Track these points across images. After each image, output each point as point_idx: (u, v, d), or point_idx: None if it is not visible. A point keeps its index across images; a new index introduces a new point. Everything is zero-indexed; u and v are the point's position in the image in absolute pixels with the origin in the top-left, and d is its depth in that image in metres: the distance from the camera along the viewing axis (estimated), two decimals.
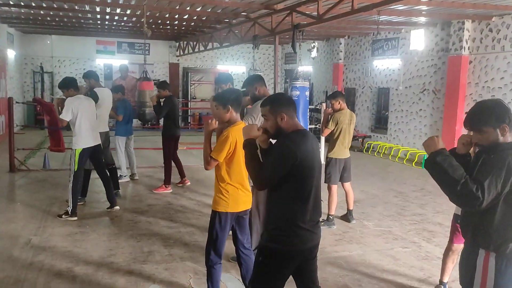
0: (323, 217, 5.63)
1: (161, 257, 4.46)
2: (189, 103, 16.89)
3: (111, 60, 15.97)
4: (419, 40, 10.58)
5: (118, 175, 7.01)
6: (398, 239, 5.24)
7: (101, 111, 6.29)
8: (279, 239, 2.57)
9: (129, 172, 7.84)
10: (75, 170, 5.50)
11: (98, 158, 5.87)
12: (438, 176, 2.22)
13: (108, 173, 6.31)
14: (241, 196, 3.30)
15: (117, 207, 5.95)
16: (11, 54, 13.31)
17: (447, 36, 9.71)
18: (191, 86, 16.99)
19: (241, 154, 3.10)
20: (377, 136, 12.30)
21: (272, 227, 2.61)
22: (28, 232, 5.08)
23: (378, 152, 11.40)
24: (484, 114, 2.28)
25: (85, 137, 5.55)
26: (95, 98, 6.11)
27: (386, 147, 11.39)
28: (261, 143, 2.69)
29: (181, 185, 7.35)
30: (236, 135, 3.13)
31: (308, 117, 8.23)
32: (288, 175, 2.50)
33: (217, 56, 16.74)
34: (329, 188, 5.62)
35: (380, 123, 12.58)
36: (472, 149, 2.51)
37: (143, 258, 4.43)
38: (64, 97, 5.58)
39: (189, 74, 16.89)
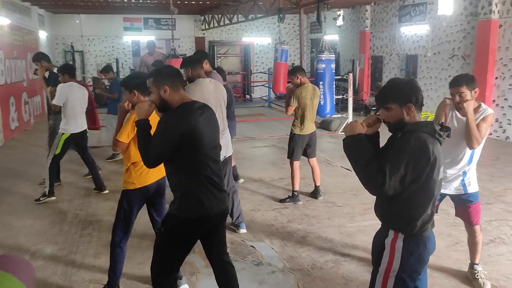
0: (283, 191, 5.73)
1: None
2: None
3: (138, 37, 16.20)
4: (447, 4, 10.31)
5: (111, 154, 7.32)
6: None
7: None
8: (183, 207, 2.63)
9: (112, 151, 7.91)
10: (57, 153, 5.62)
11: (83, 144, 5.97)
12: (350, 160, 2.29)
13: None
14: (146, 169, 3.26)
15: (106, 191, 6.00)
16: (42, 35, 13.67)
17: (476, 0, 9.47)
18: (217, 59, 17.11)
19: None
20: None
21: (176, 195, 2.66)
22: (75, 208, 5.45)
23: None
24: (392, 91, 2.30)
25: (73, 123, 5.66)
26: (55, 79, 6.10)
27: None
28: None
29: None
30: None
31: (334, 88, 8.29)
32: (179, 148, 2.52)
33: (242, 28, 16.73)
34: (291, 164, 5.51)
35: None
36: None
37: None
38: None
39: (215, 47, 16.98)
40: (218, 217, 2.75)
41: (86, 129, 5.95)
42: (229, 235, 4.53)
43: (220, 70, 5.97)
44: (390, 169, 2.11)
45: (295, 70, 5.52)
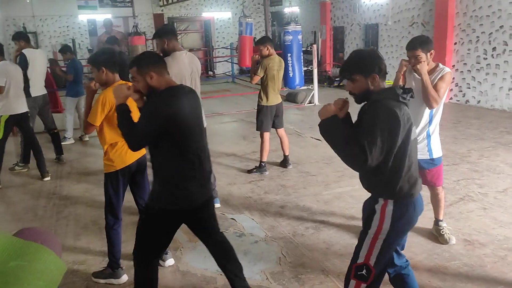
0: (256, 164, 5.83)
1: None
2: None
3: (94, 16, 15.61)
4: None
5: (62, 138, 7.04)
6: None
7: (35, 74, 6.13)
8: (165, 197, 2.58)
9: (80, 133, 7.80)
10: (0, 137, 5.40)
11: (25, 126, 5.72)
12: (329, 142, 2.34)
13: (51, 138, 6.39)
14: (125, 149, 3.19)
15: (47, 178, 5.76)
16: None
17: None
18: (178, 36, 16.76)
19: None
20: None
21: (156, 185, 2.62)
22: (47, 192, 5.33)
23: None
24: (355, 63, 2.36)
25: (11, 103, 5.39)
26: (24, 62, 5.97)
27: None
28: (136, 102, 2.62)
29: None
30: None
31: (301, 60, 8.34)
32: (164, 132, 2.47)
33: (201, 3, 16.41)
34: (261, 136, 5.61)
35: None
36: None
37: None
38: None
39: (175, 24, 16.62)
40: (202, 207, 2.71)
41: (27, 111, 5.65)
42: None
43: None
44: (368, 143, 2.17)
45: (264, 41, 5.53)
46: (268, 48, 5.44)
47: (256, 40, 5.96)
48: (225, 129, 8.35)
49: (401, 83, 3.57)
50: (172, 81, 2.64)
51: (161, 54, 4.07)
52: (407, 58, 3.56)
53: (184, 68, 4.03)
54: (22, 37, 6.23)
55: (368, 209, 2.45)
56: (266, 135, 5.59)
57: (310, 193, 4.98)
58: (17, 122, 5.57)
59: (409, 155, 2.32)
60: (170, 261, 3.56)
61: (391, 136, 2.21)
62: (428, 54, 3.43)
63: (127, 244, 3.62)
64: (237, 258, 2.91)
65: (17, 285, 1.21)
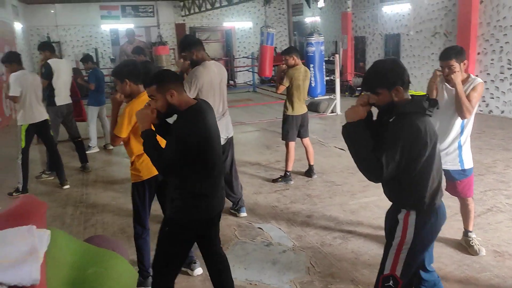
0: (281, 173, 5.84)
1: None
2: None
3: (116, 25, 15.89)
4: None
5: (87, 146, 7.15)
6: None
7: (60, 83, 6.24)
8: (186, 209, 2.60)
9: (104, 142, 7.87)
10: (23, 147, 5.48)
11: (45, 134, 5.77)
12: (349, 148, 2.34)
13: (75, 147, 6.47)
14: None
15: (67, 186, 5.84)
16: (18, 26, 13.30)
17: None
18: None
19: None
20: None
21: (176, 197, 2.62)
22: (74, 200, 5.42)
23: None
24: (378, 76, 2.31)
25: (30, 112, 5.49)
26: (49, 72, 6.07)
27: None
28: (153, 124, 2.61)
29: None
30: (139, 108, 2.74)
31: (324, 70, 8.36)
32: (190, 152, 2.47)
33: (223, 13, 16.57)
34: (287, 145, 5.64)
35: None
36: None
37: None
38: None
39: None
40: (217, 217, 2.80)
41: (46, 119, 5.73)
42: (235, 219, 4.62)
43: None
44: (386, 158, 2.17)
45: (290, 51, 5.58)
46: (293, 58, 5.49)
47: (281, 50, 6.01)
48: (248, 138, 8.39)
49: (434, 91, 3.57)
50: (190, 99, 2.63)
51: (191, 66, 4.14)
52: (430, 68, 3.55)
53: (214, 77, 4.10)
54: (47, 48, 6.37)
55: (391, 219, 2.44)
56: (292, 144, 5.62)
57: (336, 202, 4.97)
58: (37, 130, 5.65)
59: (433, 167, 2.31)
60: (198, 270, 3.58)
61: (412, 153, 2.20)
62: (462, 64, 3.43)
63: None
64: (230, 273, 2.95)
65: None
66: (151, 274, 3.41)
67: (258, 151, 7.36)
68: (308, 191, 5.35)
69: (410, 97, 2.32)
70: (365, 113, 2.34)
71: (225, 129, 4.30)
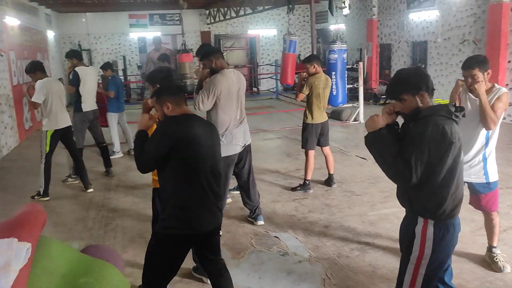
0: (300, 181, 5.78)
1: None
2: None
3: (144, 33, 16.18)
4: None
5: (111, 152, 7.28)
6: None
7: (86, 90, 6.37)
8: (171, 222, 2.61)
9: (127, 148, 7.98)
10: (47, 152, 5.60)
11: (68, 140, 5.91)
12: (374, 156, 2.31)
13: (100, 151, 6.58)
14: None
15: (90, 190, 5.96)
16: (50, 35, 13.71)
17: None
18: (223, 52, 17.07)
19: None
20: None
21: (166, 210, 2.65)
22: (96, 204, 5.50)
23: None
24: (402, 83, 2.31)
25: (55, 119, 5.62)
26: (76, 79, 6.22)
27: None
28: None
29: None
30: None
31: (346, 78, 8.28)
32: (171, 157, 2.52)
33: (247, 21, 16.66)
34: (306, 154, 5.59)
35: None
36: None
37: None
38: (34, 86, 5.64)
39: (221, 41, 16.95)
40: (208, 234, 2.73)
41: (70, 125, 5.88)
42: (252, 227, 4.59)
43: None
44: (415, 161, 2.14)
45: (311, 59, 5.57)
46: (314, 66, 5.47)
47: (301, 58, 5.99)
48: (268, 146, 8.37)
49: (456, 101, 3.47)
50: (188, 110, 2.73)
51: (210, 73, 4.17)
52: (458, 76, 3.46)
53: (232, 85, 4.11)
54: (75, 55, 6.55)
55: (407, 232, 2.38)
56: (311, 153, 5.58)
57: (355, 213, 4.89)
58: (61, 136, 5.79)
59: (455, 174, 2.25)
60: None
61: (438, 154, 2.16)
62: (485, 73, 3.33)
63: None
64: (231, 284, 2.92)
65: None
66: None
67: (278, 158, 7.33)
68: (326, 201, 5.29)
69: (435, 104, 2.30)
70: (385, 122, 2.31)
71: (243, 137, 4.30)
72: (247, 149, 4.44)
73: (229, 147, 4.17)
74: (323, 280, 3.55)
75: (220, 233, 3.31)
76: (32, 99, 5.57)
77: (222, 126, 4.12)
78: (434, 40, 11.16)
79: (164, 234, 2.64)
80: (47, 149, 5.63)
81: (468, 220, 4.48)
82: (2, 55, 8.40)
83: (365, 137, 2.35)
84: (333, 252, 3.99)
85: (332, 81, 7.88)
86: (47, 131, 5.63)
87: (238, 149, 4.27)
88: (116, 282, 1.33)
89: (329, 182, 5.78)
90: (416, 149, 2.15)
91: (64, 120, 5.77)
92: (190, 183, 2.59)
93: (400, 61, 12.76)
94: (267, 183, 5.99)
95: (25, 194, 5.81)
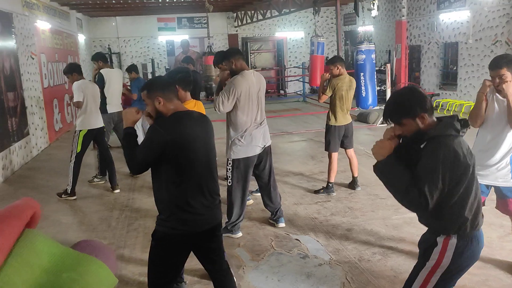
0: (323, 184, 5.68)
1: (242, 223, 4.75)
2: None
3: (172, 36, 16.40)
4: None
5: None
6: None
7: (111, 92, 6.47)
8: (165, 223, 2.58)
9: None
10: (78, 151, 5.70)
11: (101, 140, 6.06)
12: (386, 186, 2.23)
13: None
14: None
15: (117, 191, 6.02)
16: (81, 38, 14.05)
17: None
18: (250, 55, 17.13)
19: None
20: (445, 93, 11.88)
21: (161, 209, 2.62)
22: (120, 205, 5.58)
23: (448, 109, 11.05)
24: (399, 106, 2.22)
25: (89, 119, 5.74)
26: (101, 80, 6.33)
27: (456, 104, 11.00)
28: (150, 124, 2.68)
29: None
30: None
31: (375, 79, 8.15)
32: (164, 158, 2.48)
33: (274, 23, 16.67)
34: (329, 156, 5.51)
35: (448, 79, 12.10)
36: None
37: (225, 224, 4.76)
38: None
39: (248, 43, 16.99)
40: (206, 233, 2.68)
41: (103, 126, 6.02)
42: (272, 229, 4.56)
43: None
44: (429, 189, 2.06)
45: (334, 60, 5.49)
46: (338, 68, 5.40)
47: (327, 60, 5.93)
48: (293, 148, 8.32)
49: (483, 105, 3.36)
50: (181, 106, 2.66)
51: (230, 75, 4.18)
52: (489, 78, 3.34)
53: (252, 86, 4.09)
54: (100, 58, 6.74)
55: (429, 239, 2.30)
56: (334, 155, 5.50)
57: (378, 216, 4.79)
58: (94, 136, 5.92)
59: (472, 190, 2.18)
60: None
61: (453, 179, 2.09)
62: None
63: (191, 259, 3.66)
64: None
65: None
66: (184, 280, 3.46)
67: (302, 161, 7.27)
68: (350, 204, 5.20)
69: (436, 120, 2.22)
70: (392, 147, 2.24)
71: (262, 138, 4.27)
72: (267, 151, 4.41)
73: (248, 148, 4.15)
74: (342, 284, 3.48)
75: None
76: (74, 99, 5.74)
77: (242, 128, 4.11)
78: (465, 41, 10.87)
79: (163, 233, 2.61)
80: (79, 148, 5.74)
81: (497, 225, 4.33)
82: (33, 58, 8.65)
83: (374, 166, 2.27)
84: (354, 256, 3.92)
85: (361, 83, 7.80)
86: (80, 130, 5.77)
87: (257, 151, 4.24)
88: (102, 278, 1.32)
89: (353, 185, 5.70)
90: (430, 177, 2.07)
91: (98, 121, 5.92)
92: (185, 184, 2.55)
93: (430, 63, 12.49)
94: (290, 186, 5.95)
95: (55, 193, 5.94)
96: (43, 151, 8.73)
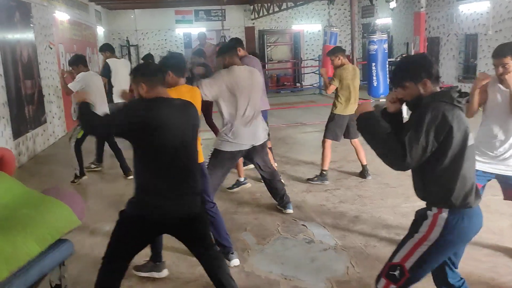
0: (316, 172, 5.65)
1: (250, 209, 4.78)
2: (266, 65, 17.06)
3: (189, 29, 16.48)
4: None
5: None
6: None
7: (117, 82, 6.57)
8: (136, 203, 2.57)
9: None
10: (78, 137, 5.83)
11: None
12: (367, 139, 2.22)
13: None
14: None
15: (131, 177, 5.97)
16: (100, 31, 14.24)
17: None
18: (267, 48, 17.08)
19: None
20: (465, 86, 11.66)
21: (133, 191, 2.60)
22: (131, 191, 5.62)
23: (468, 102, 10.86)
24: (405, 70, 2.29)
25: (93, 109, 5.83)
26: (108, 70, 6.46)
27: None
28: None
29: None
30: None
31: (387, 70, 8.07)
32: (140, 144, 2.49)
33: (291, 16, 16.59)
34: (323, 143, 5.49)
35: (468, 72, 11.87)
36: None
37: (233, 209, 4.79)
38: (71, 71, 6.02)
39: (265, 36, 16.96)
40: (180, 225, 2.62)
41: None
42: (280, 215, 4.57)
43: (255, 55, 6.10)
44: (409, 140, 2.06)
45: (335, 51, 5.54)
46: (339, 58, 5.42)
47: (328, 51, 5.96)
48: (306, 139, 8.30)
49: (476, 98, 3.29)
50: (164, 93, 2.64)
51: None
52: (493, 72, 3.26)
53: (240, 81, 4.06)
54: (108, 49, 6.87)
55: (421, 214, 2.29)
56: (328, 143, 5.52)
57: (387, 205, 4.75)
58: None
59: (463, 162, 2.15)
60: (235, 261, 3.56)
61: (437, 139, 2.08)
62: None
63: (169, 239, 3.70)
64: (230, 275, 2.79)
65: (18, 229, 1.34)
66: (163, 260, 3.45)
67: (313, 151, 7.21)
68: (359, 192, 5.17)
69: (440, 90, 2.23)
70: (371, 105, 2.28)
71: (251, 137, 4.19)
72: (257, 150, 4.36)
73: (232, 145, 4.12)
74: (347, 268, 3.47)
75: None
76: (69, 85, 5.80)
77: (229, 120, 4.11)
78: (485, 32, 10.65)
79: (129, 214, 2.59)
80: (79, 135, 5.86)
81: (507, 214, 4.28)
82: (51, 48, 8.81)
83: (356, 120, 2.30)
84: (360, 241, 3.90)
85: (372, 72, 7.76)
86: None
87: (243, 147, 4.19)
88: (62, 217, 1.38)
89: (363, 173, 5.67)
90: (412, 130, 2.08)
91: (104, 110, 5.92)
92: (161, 171, 2.53)
93: (449, 55, 12.28)
94: (301, 173, 5.94)
95: (69, 181, 6.03)
96: (61, 139, 8.88)
